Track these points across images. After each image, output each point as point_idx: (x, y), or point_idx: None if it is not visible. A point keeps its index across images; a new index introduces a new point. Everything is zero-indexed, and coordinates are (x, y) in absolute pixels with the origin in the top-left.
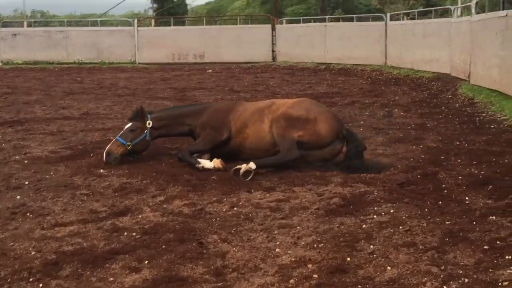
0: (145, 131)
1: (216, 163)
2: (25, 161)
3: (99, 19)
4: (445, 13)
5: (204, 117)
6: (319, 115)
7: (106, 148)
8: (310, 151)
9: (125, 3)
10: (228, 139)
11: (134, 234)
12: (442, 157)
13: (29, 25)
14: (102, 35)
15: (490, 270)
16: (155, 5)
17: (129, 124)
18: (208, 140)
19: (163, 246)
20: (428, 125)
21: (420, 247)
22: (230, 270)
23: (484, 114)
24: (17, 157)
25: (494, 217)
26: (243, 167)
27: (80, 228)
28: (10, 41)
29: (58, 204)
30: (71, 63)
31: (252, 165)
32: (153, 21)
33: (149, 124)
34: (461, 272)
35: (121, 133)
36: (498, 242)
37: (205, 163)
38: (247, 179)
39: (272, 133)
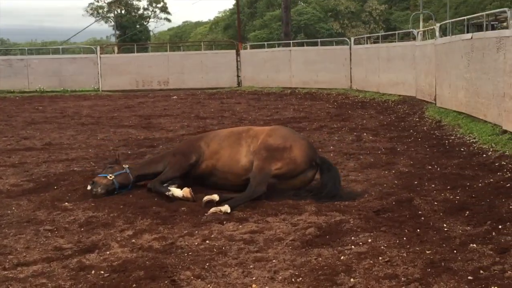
0: (125, 168)
1: (185, 192)
2: None
3: (60, 47)
4: (405, 36)
5: (175, 147)
6: (294, 143)
7: (91, 180)
8: (283, 180)
9: (87, 31)
10: (196, 162)
11: (102, 272)
12: (416, 182)
13: None
14: (64, 62)
15: None
16: (117, 32)
17: (105, 169)
18: (177, 166)
19: (134, 285)
20: (398, 149)
21: (402, 279)
22: None
23: (452, 137)
24: None
25: (474, 245)
26: (214, 209)
27: (45, 268)
28: None
29: (20, 241)
30: (32, 91)
31: (226, 208)
32: (116, 48)
33: (125, 165)
34: None
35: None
36: (481, 272)
37: (175, 191)
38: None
39: (248, 158)
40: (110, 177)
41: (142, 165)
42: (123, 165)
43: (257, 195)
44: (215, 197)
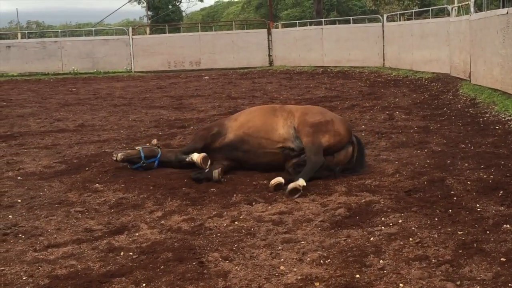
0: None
1: (199, 157)
2: (18, 178)
3: (93, 29)
4: (440, 13)
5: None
6: (333, 117)
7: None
8: (331, 155)
9: (120, 12)
10: (219, 133)
11: (131, 254)
12: (448, 161)
13: (24, 36)
14: (97, 44)
15: (510, 284)
16: (150, 13)
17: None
18: (198, 137)
19: (162, 267)
20: (431, 127)
21: (433, 260)
22: None
23: (487, 115)
24: (10, 174)
25: (508, 226)
26: (293, 184)
27: (75, 249)
28: (4, 53)
29: (51, 223)
30: (66, 73)
31: (302, 182)
32: (148, 29)
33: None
34: (478, 287)
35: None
36: None
37: (194, 155)
38: (295, 197)
39: (285, 129)
40: (137, 147)
41: (172, 150)
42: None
43: (319, 166)
44: (280, 179)
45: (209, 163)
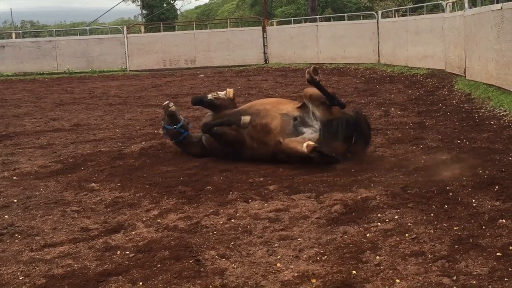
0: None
1: (229, 91)
2: (14, 178)
3: (88, 28)
4: (435, 9)
5: None
6: None
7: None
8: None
9: (114, 10)
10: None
11: (127, 252)
12: (444, 157)
13: (18, 36)
14: (92, 43)
15: (506, 279)
16: (144, 12)
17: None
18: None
19: (158, 265)
20: (427, 123)
21: (429, 256)
22: None
23: (482, 110)
24: (5, 174)
25: (504, 220)
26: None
27: (71, 249)
28: None
29: (47, 223)
30: (61, 73)
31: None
32: (142, 28)
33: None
34: (474, 282)
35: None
36: (511, 248)
37: (219, 92)
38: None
39: (292, 105)
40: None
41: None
42: None
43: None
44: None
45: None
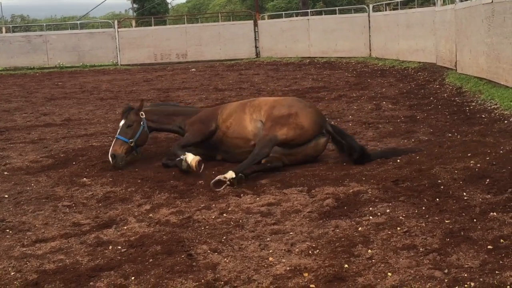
0: (142, 123)
1: (194, 161)
2: (5, 173)
3: (79, 22)
4: (426, 2)
5: (194, 117)
6: (300, 110)
7: (110, 151)
8: (294, 149)
9: (106, 4)
10: (216, 129)
11: (119, 247)
12: (436, 151)
13: (8, 30)
14: (83, 38)
15: (497, 272)
16: (135, 6)
17: (123, 121)
18: (197, 132)
19: (150, 260)
20: (418, 117)
21: (421, 249)
22: (222, 283)
23: (473, 104)
24: None
25: (495, 214)
26: (219, 177)
27: (63, 244)
28: None
29: (39, 218)
30: (52, 67)
31: (231, 174)
32: (133, 22)
33: (142, 115)
34: (466, 275)
35: (118, 131)
36: (502, 241)
37: (189, 156)
38: (219, 189)
39: (253, 125)
40: (131, 142)
41: (158, 121)
42: (140, 114)
43: (261, 158)
44: (230, 174)
45: (202, 167)
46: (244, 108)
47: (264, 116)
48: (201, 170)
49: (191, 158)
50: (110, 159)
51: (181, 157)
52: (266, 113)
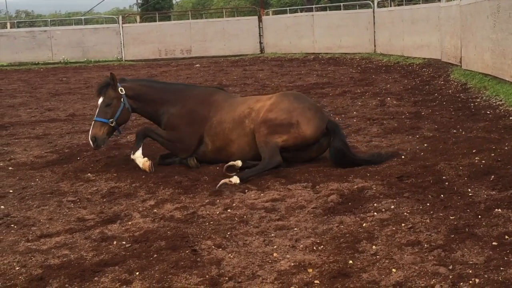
0: (122, 99)
1: (145, 165)
2: (10, 168)
3: (83, 17)
4: None
5: (176, 112)
6: (300, 117)
7: (90, 134)
8: (298, 153)
9: (110, 0)
10: (199, 145)
11: (124, 243)
12: (440, 147)
13: (13, 26)
14: (87, 33)
15: (501, 268)
16: (140, 1)
17: (101, 99)
18: (174, 146)
19: (155, 255)
20: (423, 113)
21: (425, 245)
22: (226, 278)
23: (478, 100)
24: (1, 164)
25: (499, 210)
26: (225, 180)
27: (67, 239)
28: None
29: (43, 213)
30: (56, 63)
31: (236, 179)
32: (138, 17)
33: (121, 91)
34: (470, 271)
35: (97, 112)
36: (506, 237)
37: (138, 157)
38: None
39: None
40: (111, 122)
41: (138, 100)
42: (119, 89)
43: (272, 166)
44: (239, 163)
45: (153, 168)
46: (242, 123)
47: (259, 121)
48: (153, 169)
49: (140, 160)
50: (91, 142)
51: (132, 153)
52: (263, 118)
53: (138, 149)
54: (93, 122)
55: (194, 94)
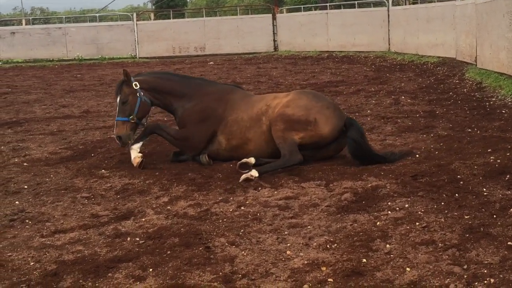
0: (138, 94)
1: (135, 160)
2: (24, 164)
3: (97, 15)
4: None
5: (190, 109)
6: (318, 115)
7: (114, 133)
8: (315, 151)
9: None
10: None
11: (137, 239)
12: (455, 146)
13: (28, 22)
14: (102, 30)
15: None
16: None
17: (118, 98)
18: (185, 144)
19: (168, 252)
20: (437, 112)
21: (440, 245)
22: (240, 276)
23: (494, 99)
24: (16, 160)
25: None
26: (245, 175)
27: (81, 235)
28: (9, 39)
29: (58, 209)
30: (71, 60)
31: (255, 173)
32: (152, 15)
33: (136, 85)
34: (485, 271)
35: (117, 111)
36: None
37: (134, 150)
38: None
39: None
40: (132, 119)
41: (153, 92)
42: (133, 84)
43: (294, 163)
44: (252, 160)
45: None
46: (259, 120)
47: (275, 115)
48: (141, 167)
49: (135, 154)
50: (117, 141)
51: (131, 145)
52: (279, 113)
53: (138, 142)
54: (115, 122)
55: (211, 90)
